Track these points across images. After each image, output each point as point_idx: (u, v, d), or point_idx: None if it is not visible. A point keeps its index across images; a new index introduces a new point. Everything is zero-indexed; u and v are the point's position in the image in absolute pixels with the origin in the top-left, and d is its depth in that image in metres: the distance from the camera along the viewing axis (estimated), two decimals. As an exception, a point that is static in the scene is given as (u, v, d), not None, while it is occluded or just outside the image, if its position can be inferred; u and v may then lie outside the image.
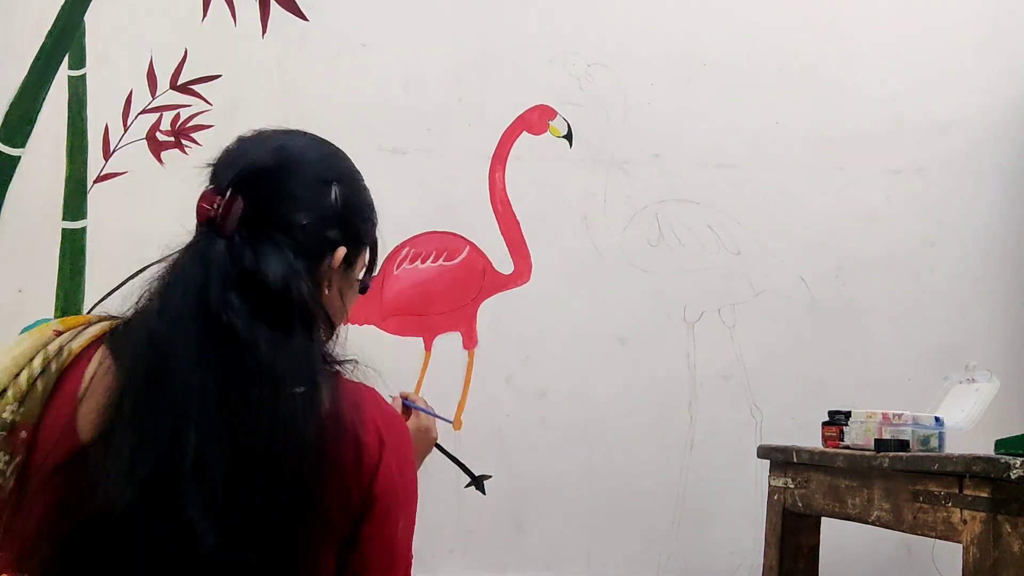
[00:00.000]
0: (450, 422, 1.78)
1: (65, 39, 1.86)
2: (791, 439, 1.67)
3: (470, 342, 1.82)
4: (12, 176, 1.83)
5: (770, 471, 1.60)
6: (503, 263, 1.85)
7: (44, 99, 1.85)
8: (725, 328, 1.86)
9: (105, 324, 0.88)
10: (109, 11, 1.88)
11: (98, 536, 0.75)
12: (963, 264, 1.91)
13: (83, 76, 1.86)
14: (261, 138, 0.96)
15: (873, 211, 1.91)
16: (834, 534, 1.60)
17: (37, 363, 0.84)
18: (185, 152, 1.85)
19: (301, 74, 1.88)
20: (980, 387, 1.52)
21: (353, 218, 0.96)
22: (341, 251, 0.92)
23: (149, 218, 1.83)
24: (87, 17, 1.88)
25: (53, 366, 0.84)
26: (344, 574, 0.83)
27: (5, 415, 0.81)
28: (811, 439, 1.60)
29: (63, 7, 1.87)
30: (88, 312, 1.79)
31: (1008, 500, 1.07)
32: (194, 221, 1.55)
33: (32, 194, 1.83)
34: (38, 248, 1.81)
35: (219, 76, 1.87)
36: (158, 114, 1.86)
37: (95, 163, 1.84)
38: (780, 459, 1.56)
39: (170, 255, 0.89)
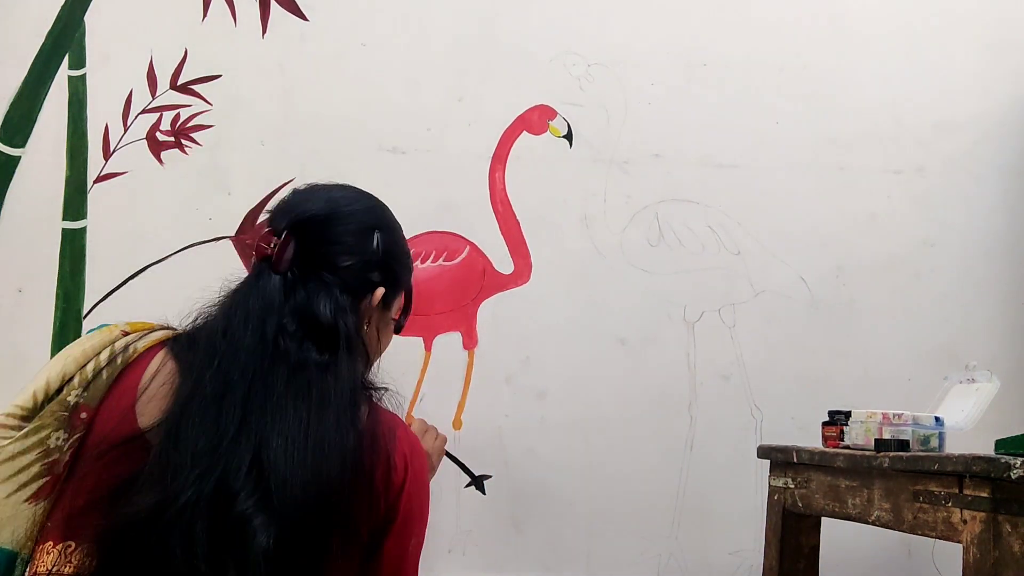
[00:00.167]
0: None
1: (65, 39, 1.87)
2: (791, 439, 1.67)
3: (470, 342, 1.82)
4: (12, 176, 1.83)
5: (770, 471, 1.60)
6: (503, 263, 1.85)
7: (44, 99, 1.85)
8: (725, 328, 1.86)
9: (168, 332, 1.01)
10: (109, 11, 1.88)
11: (151, 516, 0.83)
12: (963, 264, 1.91)
13: (83, 76, 1.86)
14: (314, 189, 1.08)
15: (873, 211, 1.91)
16: (834, 534, 1.60)
17: (104, 356, 0.95)
18: (185, 152, 1.85)
19: (301, 74, 1.88)
20: (980, 387, 1.52)
21: (392, 263, 1.08)
22: (380, 291, 1.05)
23: (149, 218, 1.84)
24: (87, 17, 1.88)
25: (119, 359, 0.95)
26: None
27: (70, 398, 0.92)
28: (811, 439, 1.60)
29: (63, 7, 1.87)
30: (88, 312, 1.79)
31: (1008, 500, 1.07)
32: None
33: (32, 194, 1.83)
34: (38, 248, 1.81)
35: (219, 76, 1.87)
36: (158, 114, 1.86)
37: (95, 163, 1.84)
38: (780, 459, 1.56)
39: (228, 286, 1.01)
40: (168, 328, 1.02)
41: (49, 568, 0.88)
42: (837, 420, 1.51)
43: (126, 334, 0.99)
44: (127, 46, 1.87)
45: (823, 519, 1.54)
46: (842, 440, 1.47)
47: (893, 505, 1.25)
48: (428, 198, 1.85)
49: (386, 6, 1.90)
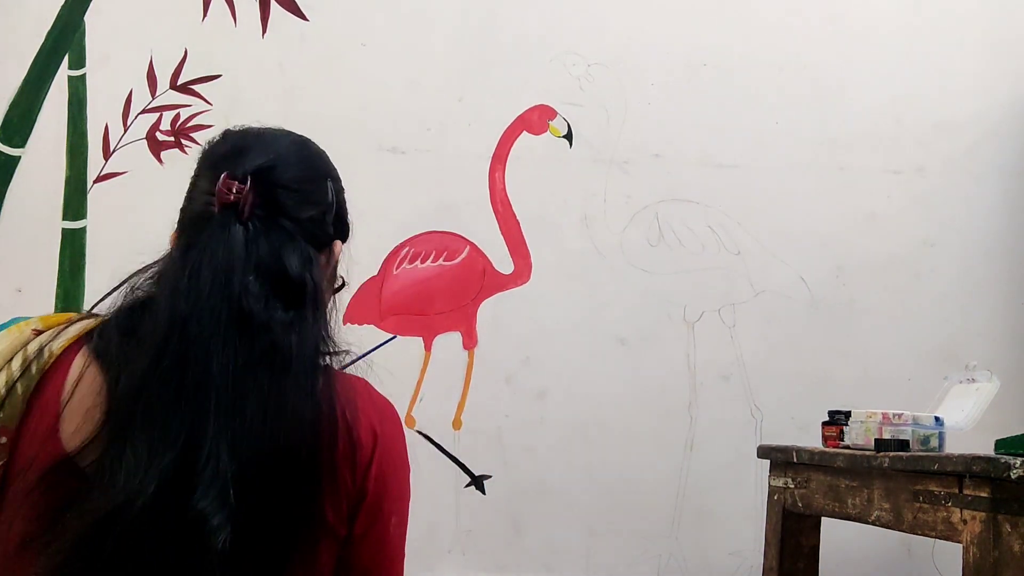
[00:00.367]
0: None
1: (65, 39, 1.86)
2: (791, 439, 1.67)
3: (470, 342, 1.82)
4: (12, 176, 1.83)
5: (770, 471, 1.60)
6: (503, 263, 1.85)
7: (44, 99, 1.85)
8: (725, 328, 1.86)
9: (88, 322, 0.87)
10: (109, 11, 1.88)
11: (105, 536, 0.73)
12: (963, 264, 1.91)
13: (83, 76, 1.86)
14: (258, 136, 0.98)
15: (873, 211, 1.91)
16: (834, 534, 1.60)
17: (16, 365, 0.82)
18: (185, 152, 1.85)
19: (301, 74, 1.88)
20: (980, 387, 1.52)
21: (344, 215, 0.97)
22: (339, 245, 0.94)
23: (149, 218, 1.83)
24: (87, 17, 1.88)
25: (33, 368, 0.82)
26: (339, 573, 0.82)
27: None
28: (811, 439, 1.60)
29: (63, 7, 1.87)
30: (88, 311, 1.79)
31: (1008, 500, 1.07)
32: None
33: (32, 194, 1.82)
34: (38, 248, 1.81)
35: (219, 76, 1.87)
36: (158, 114, 1.86)
37: (95, 163, 1.84)
38: (780, 459, 1.56)
39: (171, 248, 0.89)
40: (87, 316, 0.90)
41: None
42: (837, 420, 1.50)
43: (38, 333, 0.87)
44: (127, 46, 1.87)
45: (823, 519, 1.54)
46: (842, 440, 1.47)
47: (893, 505, 1.25)
48: (428, 198, 1.85)
49: (386, 6, 1.90)
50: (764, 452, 1.62)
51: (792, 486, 1.52)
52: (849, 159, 1.92)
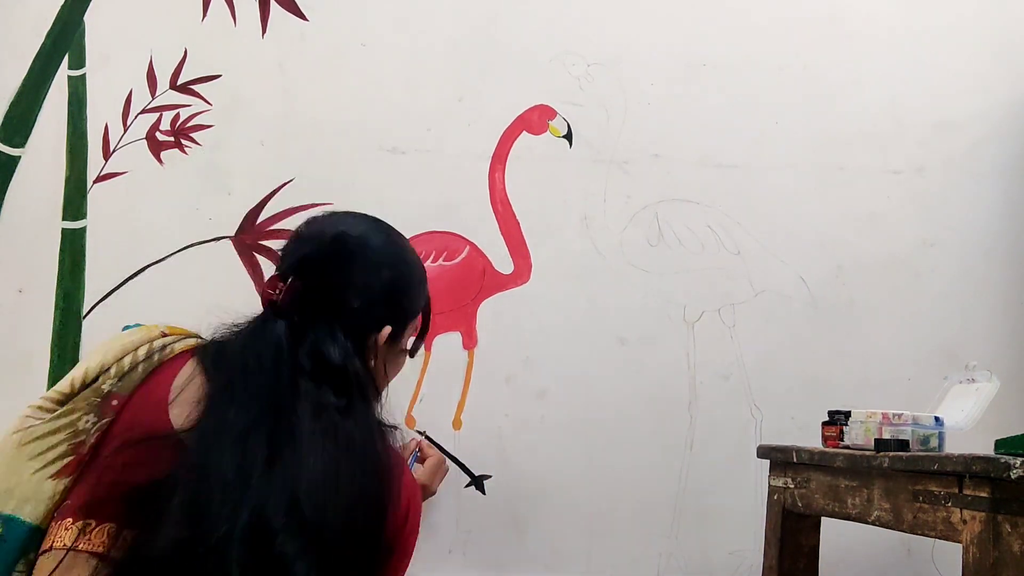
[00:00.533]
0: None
1: (65, 39, 1.87)
2: (791, 439, 1.67)
3: (470, 342, 1.82)
4: (12, 176, 1.83)
5: (770, 471, 1.60)
6: (503, 263, 1.85)
7: (44, 99, 1.85)
8: (725, 328, 1.86)
9: (199, 340, 1.06)
10: (109, 11, 1.88)
11: (183, 549, 0.86)
12: (963, 264, 1.91)
13: (83, 76, 1.86)
14: (325, 222, 1.11)
15: (873, 211, 1.91)
16: (834, 534, 1.60)
17: (142, 352, 1.02)
18: (185, 152, 1.85)
19: (301, 74, 1.88)
20: (980, 387, 1.52)
21: (400, 299, 1.11)
22: (387, 330, 1.08)
23: (149, 218, 1.84)
24: (87, 17, 1.88)
25: (156, 357, 1.01)
26: None
27: (104, 386, 0.98)
28: (811, 439, 1.60)
29: (63, 7, 1.87)
30: (88, 312, 1.79)
31: (1008, 500, 1.07)
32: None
33: (32, 194, 1.83)
34: (38, 248, 1.81)
35: (219, 76, 1.87)
36: (158, 114, 1.86)
37: (95, 163, 1.84)
38: (780, 459, 1.56)
39: (238, 327, 1.05)
40: (199, 337, 1.07)
41: (67, 544, 0.90)
42: (837, 420, 1.50)
43: (165, 335, 1.05)
44: (127, 46, 1.87)
45: (823, 519, 1.54)
46: (842, 440, 1.47)
47: (893, 505, 1.25)
48: (428, 198, 1.85)
49: (386, 6, 1.90)
50: (764, 452, 1.62)
51: (792, 486, 1.52)
52: (849, 159, 1.92)
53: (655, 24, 1.92)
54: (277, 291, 1.03)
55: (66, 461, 0.95)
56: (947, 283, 1.90)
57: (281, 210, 1.84)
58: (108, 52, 1.87)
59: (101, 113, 1.85)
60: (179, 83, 1.87)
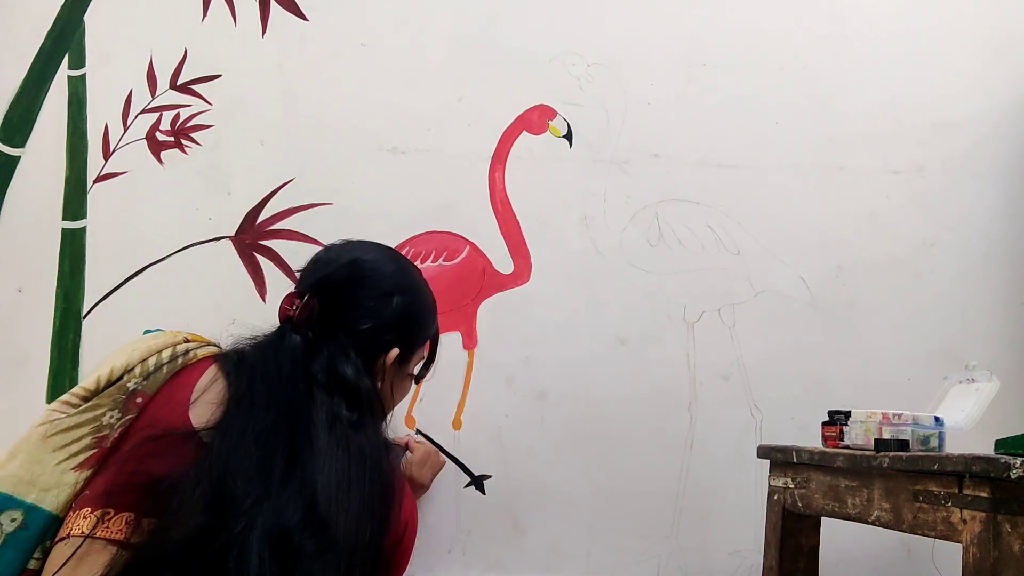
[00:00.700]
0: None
1: (65, 39, 1.87)
2: (791, 439, 1.67)
3: (470, 342, 1.82)
4: (12, 176, 1.83)
5: (770, 471, 1.60)
6: (503, 263, 1.85)
7: (44, 99, 1.85)
8: (725, 328, 1.86)
9: (219, 349, 1.13)
10: (109, 11, 1.88)
11: (202, 538, 0.91)
12: (963, 264, 1.91)
13: (83, 76, 1.86)
14: (343, 250, 1.19)
15: (873, 211, 1.91)
16: (834, 534, 1.60)
17: (166, 354, 1.07)
18: (185, 152, 1.85)
19: (301, 74, 1.88)
20: (980, 387, 1.52)
21: (410, 325, 1.18)
22: (394, 352, 1.14)
23: (149, 218, 1.84)
24: (87, 17, 1.88)
25: (180, 360, 1.07)
26: None
27: (129, 384, 1.04)
28: (811, 439, 1.60)
29: (63, 7, 1.87)
30: (88, 312, 1.79)
31: (1008, 500, 1.07)
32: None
33: (32, 194, 1.83)
34: (38, 248, 1.81)
35: (219, 76, 1.87)
36: (158, 114, 1.86)
37: (95, 163, 1.84)
38: (780, 459, 1.56)
39: (256, 339, 1.11)
40: (219, 346, 1.14)
41: (84, 532, 0.94)
42: (837, 420, 1.50)
43: (187, 341, 1.11)
44: (127, 46, 1.87)
45: (823, 519, 1.54)
46: (842, 440, 1.47)
47: (893, 505, 1.25)
48: (428, 198, 1.85)
49: (386, 6, 1.90)
50: (764, 452, 1.62)
51: (792, 486, 1.52)
52: (849, 159, 1.92)
53: (655, 24, 1.92)
54: (294, 307, 1.10)
55: (89, 454, 1.00)
56: (947, 283, 1.90)
57: (281, 210, 1.84)
58: (108, 52, 1.87)
59: (101, 113, 1.85)
60: (179, 83, 1.87)
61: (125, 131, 1.85)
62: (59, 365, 1.77)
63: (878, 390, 1.84)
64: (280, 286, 1.80)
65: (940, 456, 1.17)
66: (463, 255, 1.84)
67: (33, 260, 1.81)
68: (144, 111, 1.86)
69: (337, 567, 0.93)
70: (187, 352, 1.09)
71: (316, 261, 1.18)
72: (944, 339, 1.88)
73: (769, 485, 1.59)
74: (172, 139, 1.86)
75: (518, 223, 1.86)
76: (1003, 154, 1.93)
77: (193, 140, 1.86)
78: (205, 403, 1.03)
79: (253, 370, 1.05)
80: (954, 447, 1.38)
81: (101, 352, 1.74)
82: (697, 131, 1.90)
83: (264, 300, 1.79)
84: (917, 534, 1.21)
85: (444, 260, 1.83)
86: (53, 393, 1.76)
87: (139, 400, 1.03)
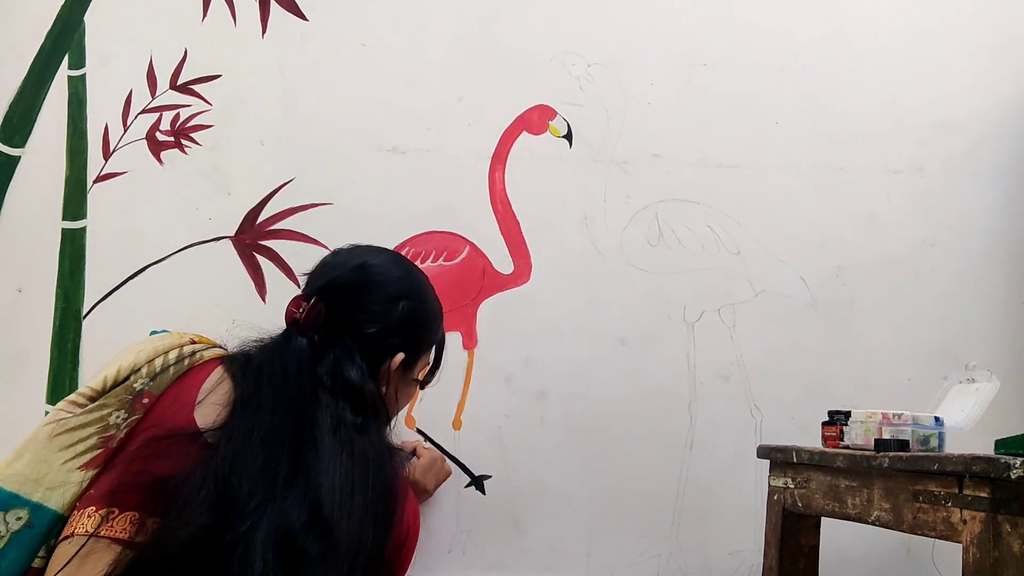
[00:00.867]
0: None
1: (65, 39, 1.87)
2: (791, 439, 1.67)
3: (470, 342, 1.82)
4: (12, 176, 1.83)
5: (770, 471, 1.60)
6: (503, 263, 1.85)
7: (44, 99, 1.85)
8: (725, 328, 1.86)
9: (225, 351, 1.13)
10: (109, 11, 1.88)
11: (207, 537, 0.91)
12: (963, 264, 1.91)
13: (83, 76, 1.86)
14: (350, 254, 1.19)
15: (873, 211, 1.91)
16: (834, 534, 1.60)
17: (172, 355, 1.08)
18: (185, 152, 1.85)
19: (301, 74, 1.88)
20: (980, 387, 1.52)
21: (415, 330, 1.18)
22: (400, 357, 1.15)
23: (149, 218, 1.84)
24: (87, 17, 1.88)
25: (186, 361, 1.08)
26: None
27: (136, 385, 1.04)
28: (811, 439, 1.60)
29: (63, 7, 1.87)
30: (88, 312, 1.79)
31: (1008, 500, 1.07)
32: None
33: (32, 194, 1.83)
34: (38, 248, 1.81)
35: (219, 76, 1.87)
36: (158, 114, 1.86)
37: (95, 163, 1.84)
38: (780, 459, 1.56)
39: (262, 341, 1.12)
40: (224, 348, 1.14)
41: (88, 530, 0.95)
42: (837, 420, 1.50)
43: (193, 342, 1.11)
44: (127, 46, 1.87)
45: (823, 519, 1.54)
46: (842, 440, 1.47)
47: (893, 505, 1.25)
48: (428, 198, 1.85)
49: (386, 6, 1.90)
50: (764, 452, 1.62)
51: (792, 486, 1.52)
52: (849, 159, 1.92)
53: (655, 24, 1.92)
54: (300, 310, 1.10)
55: (95, 453, 1.00)
56: (947, 283, 1.90)
57: (281, 210, 1.84)
58: (108, 52, 1.87)
59: (101, 113, 1.85)
60: (179, 83, 1.87)
61: (125, 131, 1.85)
62: (59, 365, 1.77)
63: (878, 390, 1.84)
64: (280, 286, 1.80)
65: (940, 456, 1.17)
66: (463, 255, 1.84)
67: (33, 260, 1.81)
68: (144, 111, 1.86)
69: (340, 570, 0.93)
70: (194, 353, 1.09)
71: (324, 264, 1.18)
72: (944, 339, 1.88)
73: (769, 485, 1.59)
74: (172, 139, 1.86)
75: (518, 223, 1.86)
76: (1003, 154, 1.93)
77: (193, 140, 1.86)
78: (211, 404, 1.03)
79: (259, 372, 1.06)
80: (954, 447, 1.38)
81: (101, 352, 1.75)
82: (697, 131, 1.90)
83: (264, 300, 1.80)
84: (917, 534, 1.21)
85: (444, 260, 1.83)
86: (53, 393, 1.76)
87: (145, 400, 1.04)
